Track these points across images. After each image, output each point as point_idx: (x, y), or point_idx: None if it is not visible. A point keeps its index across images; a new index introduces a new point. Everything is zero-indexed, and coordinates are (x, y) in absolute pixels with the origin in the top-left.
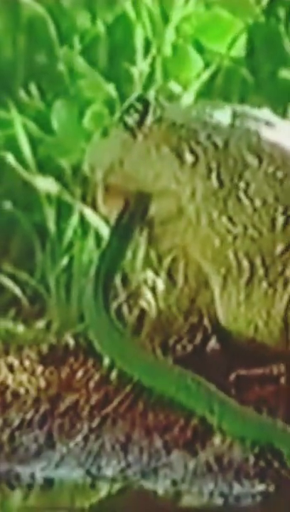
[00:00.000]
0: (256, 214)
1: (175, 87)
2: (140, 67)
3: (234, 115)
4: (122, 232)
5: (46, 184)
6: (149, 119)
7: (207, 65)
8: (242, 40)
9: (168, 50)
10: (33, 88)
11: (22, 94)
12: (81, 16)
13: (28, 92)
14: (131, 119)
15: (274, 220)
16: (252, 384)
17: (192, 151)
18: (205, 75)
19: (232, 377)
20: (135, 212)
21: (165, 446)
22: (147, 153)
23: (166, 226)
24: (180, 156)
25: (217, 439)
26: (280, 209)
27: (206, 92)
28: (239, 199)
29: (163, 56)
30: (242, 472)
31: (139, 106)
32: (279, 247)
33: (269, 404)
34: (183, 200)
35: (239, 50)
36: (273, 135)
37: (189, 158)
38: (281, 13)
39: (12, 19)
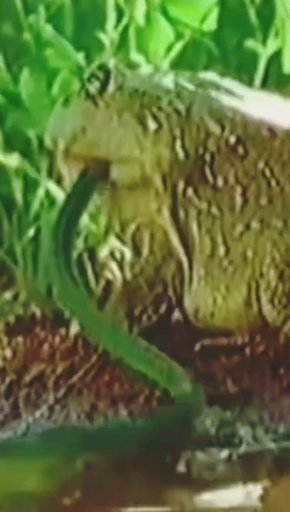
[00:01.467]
0: (218, 192)
1: (140, 57)
2: (110, 36)
3: (196, 82)
4: (80, 194)
5: (10, 159)
6: (111, 87)
7: (178, 37)
8: (214, 14)
9: (139, 20)
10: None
11: None
12: None
13: None
14: (93, 88)
15: (233, 200)
16: (217, 354)
17: (155, 118)
18: (177, 47)
19: (197, 347)
20: (94, 176)
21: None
22: (109, 120)
23: (130, 192)
24: (142, 123)
25: None
26: (239, 190)
27: (174, 64)
28: (203, 173)
29: (134, 25)
30: (205, 440)
31: (101, 74)
32: (238, 228)
33: (234, 375)
34: (147, 167)
35: (211, 23)
36: (234, 102)
37: (152, 124)
38: None
39: None
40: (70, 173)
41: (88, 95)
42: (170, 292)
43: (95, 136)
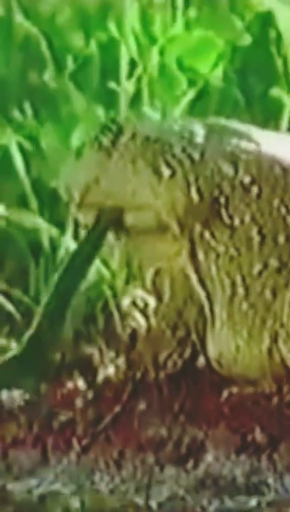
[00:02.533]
0: (235, 233)
1: (154, 106)
2: (125, 87)
3: (208, 127)
4: (92, 241)
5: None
6: (124, 138)
7: (191, 85)
8: (226, 60)
9: (153, 71)
10: (27, 107)
11: (16, 113)
12: (75, 36)
13: (22, 111)
14: (106, 140)
15: (250, 240)
16: (245, 402)
17: (169, 165)
18: (190, 95)
19: (225, 395)
20: (107, 224)
21: (158, 462)
22: (123, 169)
23: (147, 237)
24: (156, 170)
25: (209, 456)
26: (255, 229)
27: (187, 111)
28: (219, 215)
29: (149, 76)
30: (234, 488)
31: (113, 127)
32: (257, 267)
33: (262, 423)
34: (162, 213)
35: (225, 69)
36: (246, 143)
37: (165, 171)
38: (272, 34)
39: (6, 38)
40: (84, 222)
41: (101, 147)
42: (194, 336)
43: (109, 186)
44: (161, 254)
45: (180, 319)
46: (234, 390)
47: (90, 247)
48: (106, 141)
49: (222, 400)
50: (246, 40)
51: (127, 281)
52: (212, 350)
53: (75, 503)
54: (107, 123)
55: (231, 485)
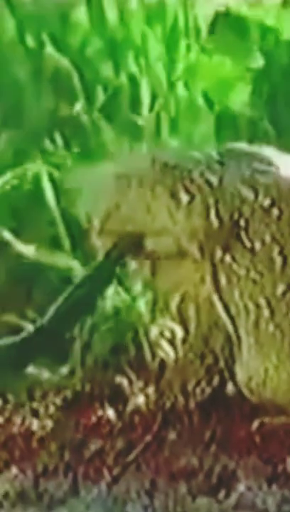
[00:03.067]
0: (256, 256)
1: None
2: (146, 119)
3: (226, 152)
4: (108, 266)
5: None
6: (143, 165)
7: (212, 112)
8: (247, 87)
9: (173, 102)
10: (58, 138)
11: (47, 143)
12: (105, 67)
13: (53, 142)
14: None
15: (272, 261)
16: (276, 432)
17: (187, 190)
18: (212, 123)
19: (255, 424)
20: (124, 249)
21: (189, 492)
22: (143, 196)
23: (169, 264)
24: (175, 196)
25: (241, 486)
26: (276, 249)
27: (218, 140)
28: (240, 239)
29: (168, 108)
30: None
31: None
32: (280, 288)
33: None
34: (182, 239)
35: (245, 95)
36: (267, 167)
37: (184, 197)
38: None
39: (37, 70)
40: (102, 248)
41: (120, 175)
42: (222, 363)
43: (129, 212)
44: (184, 281)
45: (207, 347)
46: (266, 419)
47: (105, 272)
48: (125, 170)
49: (253, 430)
50: (259, 62)
51: (153, 311)
52: (241, 376)
53: None
54: (127, 153)
55: None
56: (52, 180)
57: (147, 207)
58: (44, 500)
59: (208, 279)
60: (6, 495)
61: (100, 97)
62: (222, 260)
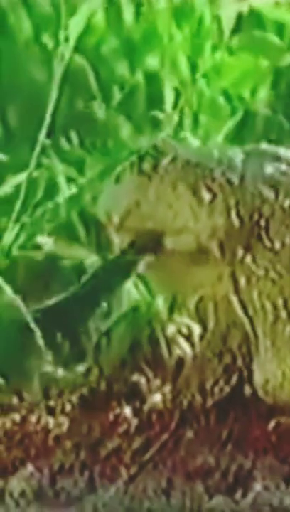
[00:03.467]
0: (276, 256)
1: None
2: (169, 116)
3: (247, 152)
4: (125, 264)
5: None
6: (164, 162)
7: (234, 111)
8: (270, 86)
9: (196, 99)
10: (74, 136)
11: (63, 142)
12: (121, 65)
13: (69, 140)
14: (147, 165)
15: None
16: None
17: (209, 189)
18: (233, 121)
19: (272, 424)
20: (142, 248)
21: (206, 491)
22: (164, 193)
23: (188, 262)
24: (197, 194)
25: (258, 485)
26: None
27: (238, 138)
28: (260, 239)
29: (191, 105)
30: None
31: (154, 151)
32: None
33: None
34: (202, 237)
35: (267, 94)
36: (287, 167)
37: (206, 195)
38: None
39: (53, 70)
40: (121, 246)
41: (141, 171)
42: (240, 363)
43: (149, 209)
44: (203, 280)
45: (225, 346)
46: (282, 419)
47: (122, 267)
48: (146, 165)
49: (269, 429)
50: (285, 61)
51: (171, 308)
52: (258, 378)
53: None
54: (148, 148)
55: None
56: (68, 177)
57: (168, 204)
58: (61, 498)
59: (227, 278)
60: (22, 493)
61: (116, 95)
62: (242, 260)
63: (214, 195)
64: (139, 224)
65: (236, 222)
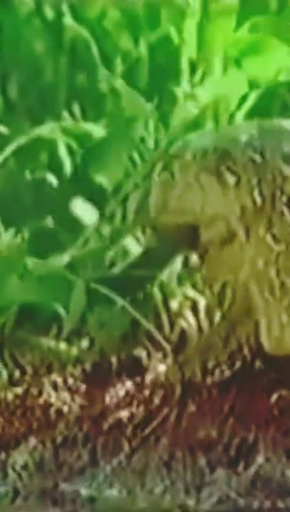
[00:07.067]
0: None
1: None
2: (184, 89)
3: (263, 129)
4: (161, 258)
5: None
6: (184, 157)
7: (252, 87)
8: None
9: (213, 73)
10: (76, 109)
11: (65, 114)
12: (123, 38)
13: (71, 113)
14: (167, 162)
15: None
16: None
17: (232, 171)
18: (251, 99)
19: (274, 397)
20: (177, 242)
21: (208, 464)
22: (189, 186)
23: (221, 251)
24: (221, 179)
25: (260, 457)
26: None
27: (248, 114)
28: (282, 214)
29: (208, 78)
30: (285, 489)
31: (167, 157)
32: None
33: None
34: (232, 221)
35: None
36: None
37: (230, 179)
38: None
39: (55, 41)
40: (153, 243)
41: (163, 171)
42: (246, 351)
43: (178, 204)
44: (229, 265)
45: (234, 333)
46: (284, 392)
47: (154, 264)
48: (166, 163)
49: (271, 402)
50: None
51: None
52: (268, 347)
53: (125, 504)
54: (166, 147)
55: (282, 487)
56: (70, 150)
57: (195, 196)
58: (63, 471)
59: (248, 263)
60: (24, 466)
61: (119, 67)
62: (263, 239)
63: (238, 177)
64: (171, 220)
65: (259, 200)
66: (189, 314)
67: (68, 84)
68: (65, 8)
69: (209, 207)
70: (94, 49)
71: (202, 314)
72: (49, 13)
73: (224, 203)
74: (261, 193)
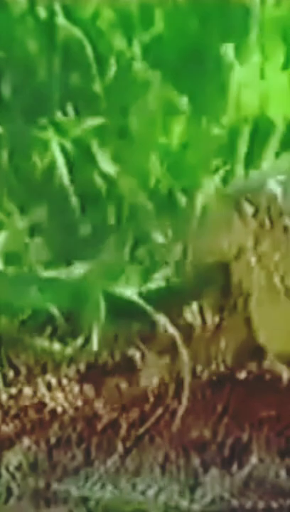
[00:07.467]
0: None
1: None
2: None
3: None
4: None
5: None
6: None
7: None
8: None
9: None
10: (70, 109)
11: (59, 115)
12: (117, 37)
13: (65, 113)
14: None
15: None
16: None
17: (251, 203)
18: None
19: (268, 397)
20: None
21: (202, 464)
22: (213, 228)
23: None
24: (241, 213)
25: (253, 458)
26: None
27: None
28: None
29: None
30: (278, 490)
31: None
32: None
33: None
34: (248, 249)
35: None
36: None
37: (249, 210)
38: None
39: (48, 41)
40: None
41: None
42: (241, 353)
43: (204, 246)
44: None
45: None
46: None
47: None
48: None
49: (265, 402)
50: None
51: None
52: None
53: (119, 505)
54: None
55: (276, 487)
56: (64, 151)
57: (220, 236)
58: (57, 471)
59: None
60: (18, 466)
61: (112, 67)
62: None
63: (256, 209)
64: (200, 261)
65: (267, 224)
66: (188, 315)
67: (62, 84)
68: (58, 7)
69: (235, 243)
70: (88, 49)
71: (197, 316)
72: (42, 12)
73: (245, 234)
74: (270, 219)
